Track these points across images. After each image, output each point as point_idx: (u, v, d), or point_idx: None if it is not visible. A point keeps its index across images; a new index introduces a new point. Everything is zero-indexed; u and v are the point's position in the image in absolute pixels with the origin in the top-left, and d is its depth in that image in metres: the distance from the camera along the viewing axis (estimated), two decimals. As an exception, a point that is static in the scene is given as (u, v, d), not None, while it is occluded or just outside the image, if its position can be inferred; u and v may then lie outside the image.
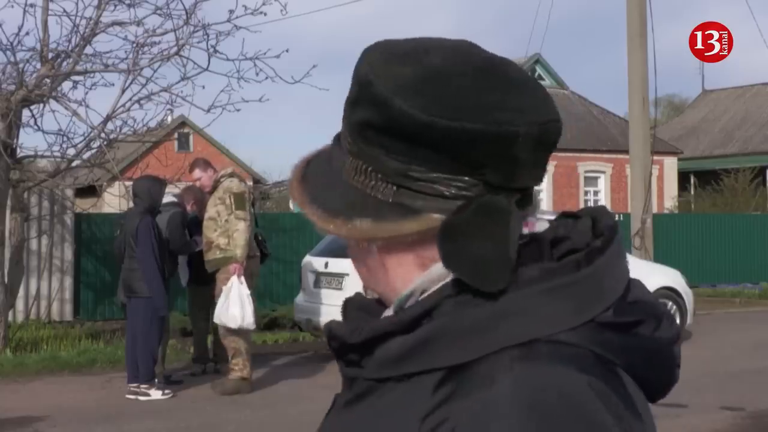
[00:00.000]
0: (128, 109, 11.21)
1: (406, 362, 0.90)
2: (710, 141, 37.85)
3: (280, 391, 8.89)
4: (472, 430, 0.83)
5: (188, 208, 9.61)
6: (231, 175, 8.97)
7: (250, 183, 8.87)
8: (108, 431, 7.42)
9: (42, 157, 12.07)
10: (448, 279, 0.91)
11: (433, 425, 0.85)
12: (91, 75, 11.30)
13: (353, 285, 9.80)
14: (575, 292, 0.88)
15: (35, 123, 11.35)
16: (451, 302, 0.89)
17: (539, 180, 0.94)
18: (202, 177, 9.05)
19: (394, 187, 0.92)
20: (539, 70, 32.85)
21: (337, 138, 1.01)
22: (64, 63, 11.09)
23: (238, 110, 11.33)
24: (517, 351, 0.86)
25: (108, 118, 11.09)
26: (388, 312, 0.96)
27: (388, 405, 0.91)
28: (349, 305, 1.07)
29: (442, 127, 0.88)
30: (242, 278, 8.54)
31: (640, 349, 0.91)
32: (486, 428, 0.82)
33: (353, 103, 0.95)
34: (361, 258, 0.99)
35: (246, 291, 8.52)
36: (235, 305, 8.43)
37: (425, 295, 0.92)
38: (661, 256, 15.06)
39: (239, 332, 8.53)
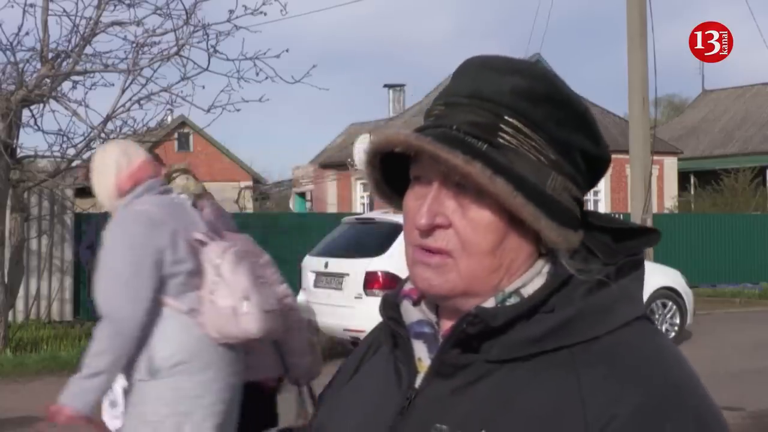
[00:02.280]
0: (128, 109, 11.23)
1: (547, 340, 1.04)
2: (710, 141, 37.85)
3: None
4: (650, 387, 1.00)
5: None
6: (185, 171, 8.46)
7: (202, 182, 8.24)
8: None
9: (42, 157, 12.07)
10: (545, 272, 1.09)
11: (604, 391, 0.99)
12: (91, 75, 11.31)
13: (353, 285, 9.79)
14: (642, 279, 1.12)
15: (35, 123, 11.36)
16: (583, 288, 1.06)
17: None
18: None
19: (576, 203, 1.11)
20: (539, 70, 32.75)
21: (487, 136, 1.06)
22: (64, 63, 11.09)
23: (238, 110, 11.35)
24: (639, 324, 1.07)
25: (108, 118, 11.09)
26: (489, 302, 1.08)
27: (526, 382, 1.03)
28: (386, 303, 1.19)
29: (608, 165, 1.15)
30: None
31: None
32: (663, 378, 1.01)
33: (565, 124, 1.09)
34: (496, 252, 1.06)
35: None
36: None
37: (538, 284, 1.08)
38: (661, 256, 15.05)
39: None
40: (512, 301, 1.08)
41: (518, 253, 1.08)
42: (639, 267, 1.10)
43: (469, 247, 1.06)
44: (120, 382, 7.43)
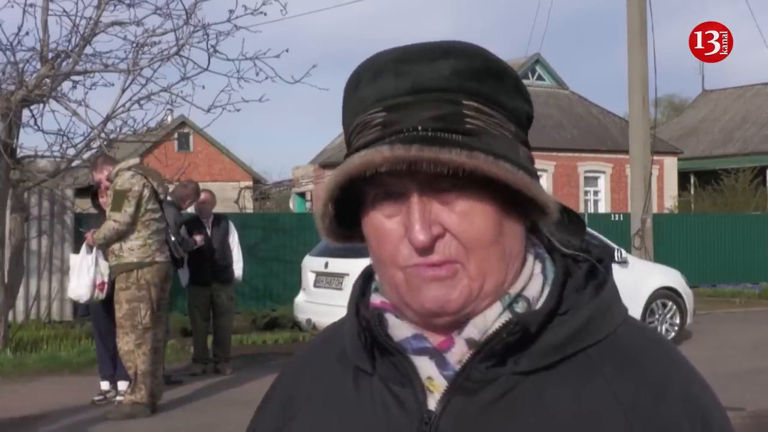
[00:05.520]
0: (128, 109, 11.22)
1: (568, 346, 1.01)
2: (710, 141, 37.85)
3: (280, 391, 8.87)
4: (664, 376, 1.01)
5: (182, 205, 9.59)
6: (129, 168, 7.86)
7: (146, 179, 8.05)
8: (108, 431, 7.42)
9: (42, 157, 12.07)
10: (537, 272, 1.04)
11: (638, 390, 0.99)
12: (91, 75, 11.30)
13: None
14: None
15: (35, 123, 11.36)
16: (592, 285, 1.05)
17: None
18: (100, 179, 8.10)
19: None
20: (539, 70, 32.82)
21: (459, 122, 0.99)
22: (64, 63, 11.09)
23: (238, 110, 11.34)
24: (630, 320, 1.07)
25: (108, 118, 11.09)
26: (495, 306, 1.01)
27: (556, 390, 0.99)
28: (380, 318, 1.06)
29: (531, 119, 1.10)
30: (93, 248, 7.95)
31: None
32: (677, 366, 1.04)
33: (510, 93, 1.04)
34: (499, 240, 1.00)
35: (88, 262, 7.97)
36: (73, 274, 8.11)
37: (537, 285, 1.04)
38: (661, 256, 15.05)
39: (134, 351, 7.59)
40: (520, 305, 1.01)
41: (515, 238, 1.02)
42: (612, 265, 1.10)
43: (473, 245, 0.98)
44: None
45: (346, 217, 1.06)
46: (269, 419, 1.17)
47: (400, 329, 1.04)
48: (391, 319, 1.04)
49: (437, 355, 1.02)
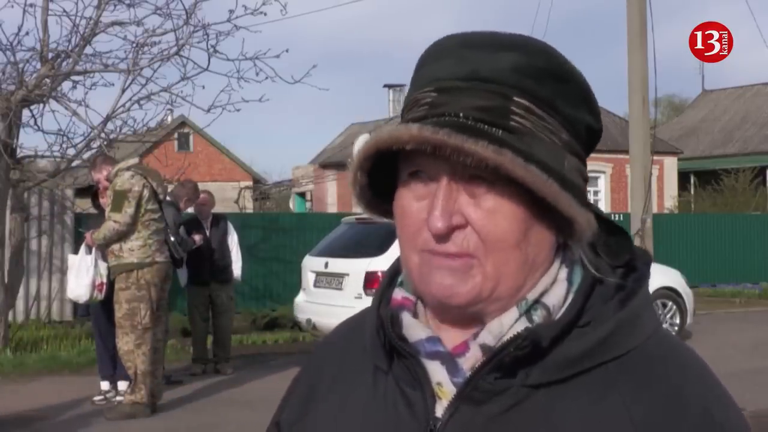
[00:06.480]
0: (128, 109, 11.22)
1: (586, 359, 0.96)
2: (710, 141, 37.86)
3: (280, 391, 8.84)
4: (682, 392, 0.96)
5: (181, 205, 9.59)
6: (128, 168, 7.84)
7: (148, 180, 8.00)
8: (108, 431, 7.43)
9: (42, 157, 12.07)
10: (562, 278, 1.00)
11: (654, 410, 0.94)
12: (91, 75, 11.30)
13: (353, 285, 9.79)
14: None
15: (35, 123, 11.36)
16: (619, 296, 0.99)
17: None
18: (99, 179, 8.10)
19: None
20: (539, 70, 32.75)
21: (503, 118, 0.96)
22: (64, 63, 11.09)
23: (238, 110, 11.34)
24: (661, 333, 1.01)
25: (108, 118, 11.09)
26: (510, 313, 0.98)
27: (568, 405, 0.95)
28: (393, 319, 1.04)
29: (600, 138, 1.06)
30: (92, 249, 7.94)
31: None
32: (704, 387, 0.98)
33: (571, 99, 1.00)
34: (522, 245, 0.96)
35: (87, 263, 7.95)
36: (71, 275, 8.05)
37: (559, 292, 0.99)
38: (661, 256, 15.04)
39: (134, 351, 7.61)
40: (538, 312, 0.98)
41: (541, 247, 0.98)
42: (649, 272, 1.04)
43: (493, 244, 0.95)
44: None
45: (385, 190, 1.04)
46: (289, 413, 1.17)
47: (415, 330, 1.02)
48: (406, 318, 1.03)
49: (449, 361, 0.99)
